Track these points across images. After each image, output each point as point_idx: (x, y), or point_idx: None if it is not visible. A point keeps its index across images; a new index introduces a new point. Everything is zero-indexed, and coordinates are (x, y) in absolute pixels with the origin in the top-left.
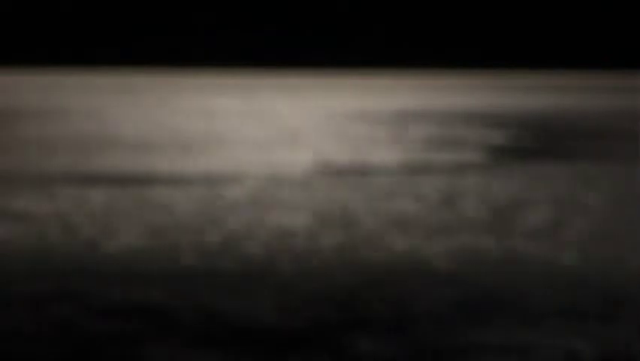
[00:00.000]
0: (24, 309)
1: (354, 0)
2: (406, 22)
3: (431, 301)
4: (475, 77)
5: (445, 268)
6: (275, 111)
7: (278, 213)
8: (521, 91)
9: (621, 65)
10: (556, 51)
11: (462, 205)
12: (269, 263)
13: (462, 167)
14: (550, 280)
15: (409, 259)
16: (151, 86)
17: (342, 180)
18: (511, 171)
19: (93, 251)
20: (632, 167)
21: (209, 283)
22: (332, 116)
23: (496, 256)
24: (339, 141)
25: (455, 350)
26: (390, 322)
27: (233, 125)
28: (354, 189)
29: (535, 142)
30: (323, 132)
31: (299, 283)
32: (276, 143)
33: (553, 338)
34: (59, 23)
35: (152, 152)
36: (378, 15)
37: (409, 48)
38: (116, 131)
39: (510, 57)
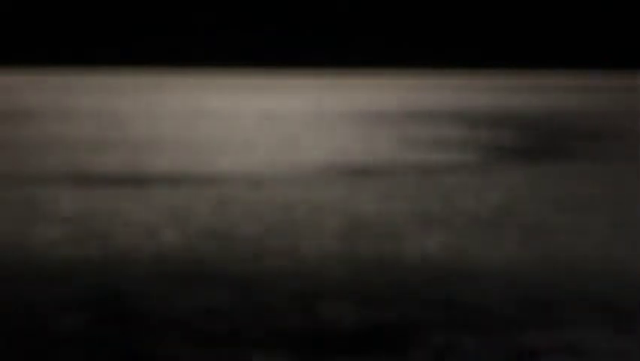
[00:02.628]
0: (78, 311)
1: (354, 0)
2: (405, 22)
3: (491, 299)
4: (475, 77)
5: (483, 267)
6: (275, 111)
7: (299, 214)
8: (521, 91)
9: (621, 65)
10: (556, 51)
11: (473, 205)
12: (315, 265)
13: (463, 167)
14: (598, 279)
15: (444, 260)
16: (151, 86)
17: (348, 181)
18: (513, 172)
19: (140, 252)
20: (632, 167)
21: (265, 286)
22: (332, 117)
23: (534, 256)
24: (341, 141)
25: (536, 351)
26: (464, 322)
27: (235, 126)
28: (362, 189)
29: (535, 142)
30: (324, 132)
31: (347, 286)
32: (277, 143)
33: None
34: (59, 23)
35: (157, 152)
36: (378, 15)
37: (409, 48)
38: (118, 131)
39: (510, 57)
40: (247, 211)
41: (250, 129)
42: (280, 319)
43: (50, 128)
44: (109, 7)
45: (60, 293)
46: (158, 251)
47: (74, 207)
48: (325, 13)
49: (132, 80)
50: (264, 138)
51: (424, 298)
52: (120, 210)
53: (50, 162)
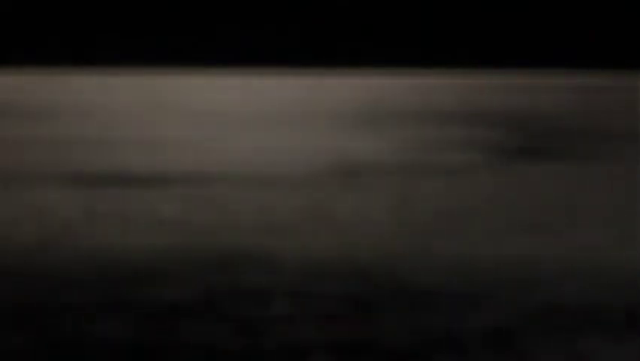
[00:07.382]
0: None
1: (354, 0)
2: (405, 23)
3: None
4: (476, 77)
5: (502, 271)
6: (275, 111)
7: (317, 215)
8: (521, 91)
9: (621, 65)
10: (557, 51)
11: (478, 206)
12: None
13: (463, 167)
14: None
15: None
16: (149, 86)
17: (350, 182)
18: (512, 172)
19: (142, 253)
20: (632, 167)
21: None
22: (332, 117)
23: (558, 257)
24: (341, 141)
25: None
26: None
27: (235, 126)
28: (365, 190)
29: (534, 142)
30: (324, 133)
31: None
32: (277, 143)
33: None
34: (59, 23)
35: (154, 152)
36: (378, 15)
37: (408, 48)
38: (118, 131)
39: (510, 57)
40: (258, 211)
41: (251, 129)
42: (392, 323)
43: (51, 128)
44: (109, 7)
45: (71, 293)
46: (161, 252)
47: (75, 208)
48: (324, 13)
49: (132, 80)
50: (265, 138)
51: (513, 300)
52: (120, 211)
53: (49, 162)
